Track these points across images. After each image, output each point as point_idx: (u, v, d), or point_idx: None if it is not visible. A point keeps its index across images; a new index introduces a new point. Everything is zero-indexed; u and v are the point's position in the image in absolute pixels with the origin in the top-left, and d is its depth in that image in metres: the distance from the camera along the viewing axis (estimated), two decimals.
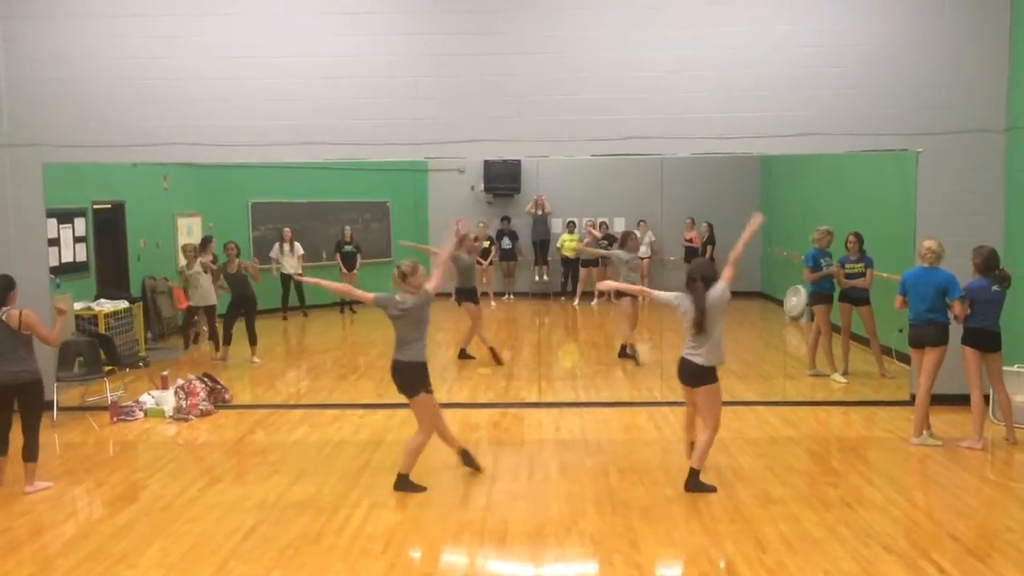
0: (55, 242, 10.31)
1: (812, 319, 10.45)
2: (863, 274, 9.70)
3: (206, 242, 12.42)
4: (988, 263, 7.32)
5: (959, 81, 8.60)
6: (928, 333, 7.43)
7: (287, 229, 15.22)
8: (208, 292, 11.56)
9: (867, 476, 6.80)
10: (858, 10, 8.69)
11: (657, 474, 6.84)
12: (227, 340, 11.42)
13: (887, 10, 8.67)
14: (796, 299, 12.53)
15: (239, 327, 11.45)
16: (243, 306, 11.45)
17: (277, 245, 15.24)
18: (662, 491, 6.45)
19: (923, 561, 5.17)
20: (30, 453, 6.66)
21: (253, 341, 11.47)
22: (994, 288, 7.29)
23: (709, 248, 16.33)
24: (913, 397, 8.07)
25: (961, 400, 7.97)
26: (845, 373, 10.13)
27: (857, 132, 8.71)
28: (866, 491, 6.44)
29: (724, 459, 7.17)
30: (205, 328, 11.97)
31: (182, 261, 11.84)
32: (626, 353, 11.34)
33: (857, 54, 8.68)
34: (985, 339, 7.35)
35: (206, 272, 11.52)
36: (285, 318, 15.22)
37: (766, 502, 6.17)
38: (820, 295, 10.10)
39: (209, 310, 11.68)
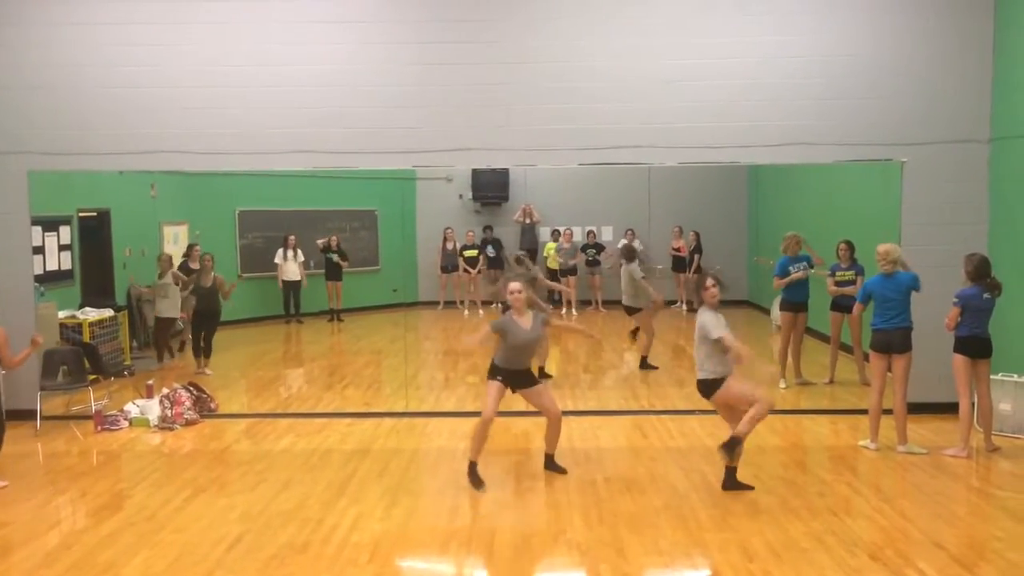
0: (40, 250, 10.25)
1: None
2: (854, 282, 9.73)
3: (190, 249, 12.38)
4: (980, 271, 7.37)
5: (944, 92, 8.68)
6: (897, 339, 7.46)
7: (292, 236, 15.23)
8: (176, 303, 11.49)
9: (853, 485, 6.82)
10: (844, 21, 8.76)
11: (644, 483, 6.84)
12: (199, 352, 11.29)
13: (873, 21, 8.74)
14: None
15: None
16: (207, 319, 11.30)
17: (280, 251, 15.24)
18: (649, 500, 6.44)
19: (909, 570, 5.19)
20: None
21: (208, 353, 11.32)
22: (985, 296, 7.34)
23: (696, 257, 16.42)
24: (869, 408, 8.04)
25: (946, 408, 8.02)
26: (831, 382, 10.19)
27: (843, 142, 8.77)
28: (852, 500, 6.46)
29: (711, 468, 7.17)
30: (188, 337, 11.90)
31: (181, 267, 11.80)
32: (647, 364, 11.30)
33: (843, 65, 8.74)
34: (976, 346, 7.40)
35: (176, 284, 11.45)
36: (288, 323, 15.20)
37: (753, 511, 6.18)
38: (787, 302, 10.17)
39: (169, 321, 11.60)
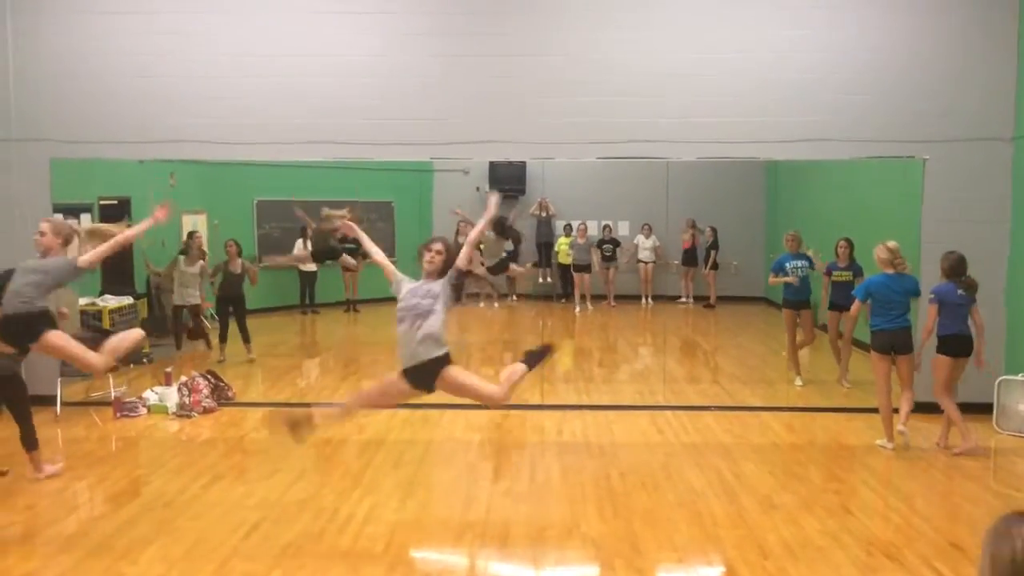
0: None
1: (818, 325, 10.43)
2: (851, 282, 9.67)
3: (191, 236, 12.43)
4: (955, 269, 7.37)
5: (968, 89, 8.59)
6: (901, 339, 7.39)
7: (310, 227, 15.21)
8: (195, 291, 11.55)
9: (870, 483, 6.79)
10: (866, 16, 8.68)
11: (659, 478, 6.84)
12: (223, 339, 11.41)
13: (896, 16, 8.66)
14: None
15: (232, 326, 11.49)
16: (231, 305, 11.40)
17: (299, 241, 15.26)
18: (664, 495, 6.44)
19: (926, 569, 5.16)
20: (30, 442, 6.75)
21: (247, 339, 11.44)
22: (959, 292, 7.30)
23: (713, 253, 16.34)
24: (918, 405, 8.04)
25: (971, 408, 7.94)
26: (842, 379, 10.12)
27: (863, 138, 8.70)
28: (869, 498, 6.44)
29: (726, 464, 7.16)
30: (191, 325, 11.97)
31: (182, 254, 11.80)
32: None
33: (865, 60, 8.67)
34: (958, 344, 7.36)
35: (202, 275, 11.50)
36: (305, 313, 15.24)
37: (768, 508, 6.17)
38: (787, 300, 10.12)
39: (194, 309, 11.66)
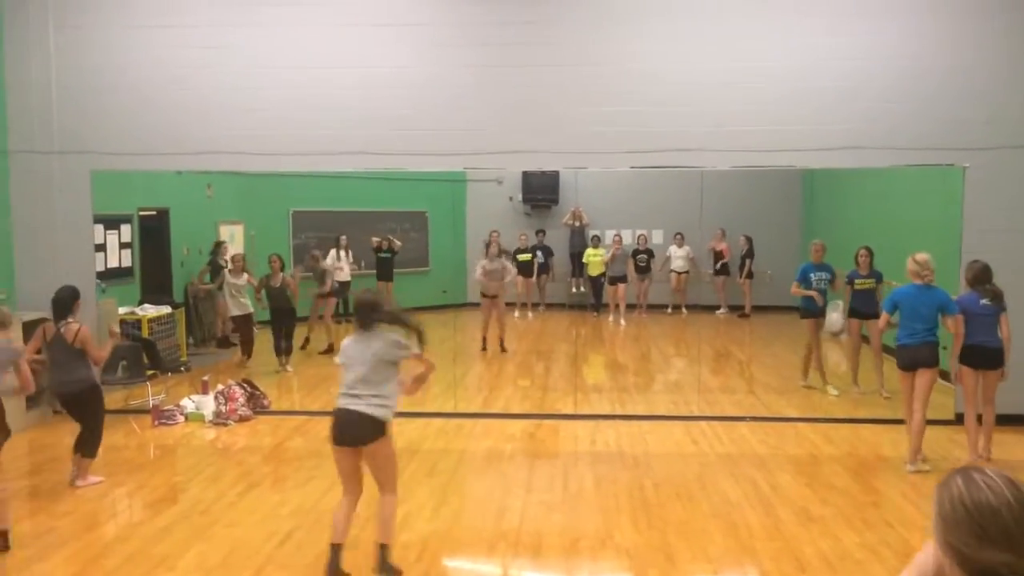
0: (101, 247, 10.52)
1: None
2: (873, 290, 9.53)
3: (218, 247, 12.62)
4: (979, 278, 7.21)
5: (1011, 95, 8.44)
6: (924, 354, 7.14)
7: (343, 236, 15.33)
8: (247, 301, 11.73)
9: (909, 496, 6.67)
10: (905, 22, 8.57)
11: (694, 488, 6.78)
12: (279, 351, 11.55)
13: (934, 22, 8.54)
14: (836, 314, 12.38)
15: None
16: (283, 317, 11.56)
17: (333, 251, 15.36)
18: (698, 506, 6.39)
19: None
20: (88, 450, 6.91)
21: (288, 351, 11.58)
22: (983, 302, 7.15)
23: (748, 262, 16.21)
24: (959, 416, 7.92)
25: (1013, 420, 7.78)
26: (880, 390, 9.96)
27: (901, 146, 8.58)
28: (908, 511, 6.32)
29: (762, 476, 7.08)
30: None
31: (228, 267, 11.98)
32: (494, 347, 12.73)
33: (904, 67, 8.56)
34: (980, 356, 7.19)
35: (249, 285, 11.69)
36: (339, 322, 15.33)
37: (806, 520, 6.08)
38: (807, 310, 10.02)
39: (247, 319, 11.82)
